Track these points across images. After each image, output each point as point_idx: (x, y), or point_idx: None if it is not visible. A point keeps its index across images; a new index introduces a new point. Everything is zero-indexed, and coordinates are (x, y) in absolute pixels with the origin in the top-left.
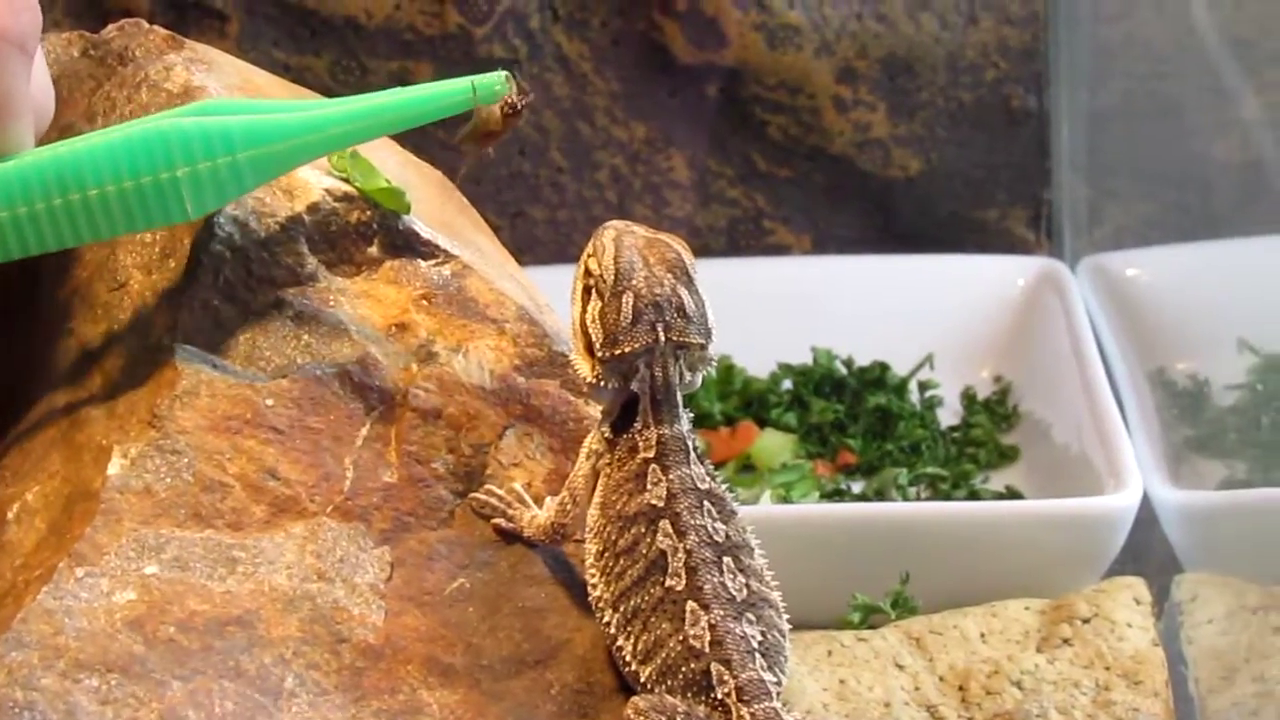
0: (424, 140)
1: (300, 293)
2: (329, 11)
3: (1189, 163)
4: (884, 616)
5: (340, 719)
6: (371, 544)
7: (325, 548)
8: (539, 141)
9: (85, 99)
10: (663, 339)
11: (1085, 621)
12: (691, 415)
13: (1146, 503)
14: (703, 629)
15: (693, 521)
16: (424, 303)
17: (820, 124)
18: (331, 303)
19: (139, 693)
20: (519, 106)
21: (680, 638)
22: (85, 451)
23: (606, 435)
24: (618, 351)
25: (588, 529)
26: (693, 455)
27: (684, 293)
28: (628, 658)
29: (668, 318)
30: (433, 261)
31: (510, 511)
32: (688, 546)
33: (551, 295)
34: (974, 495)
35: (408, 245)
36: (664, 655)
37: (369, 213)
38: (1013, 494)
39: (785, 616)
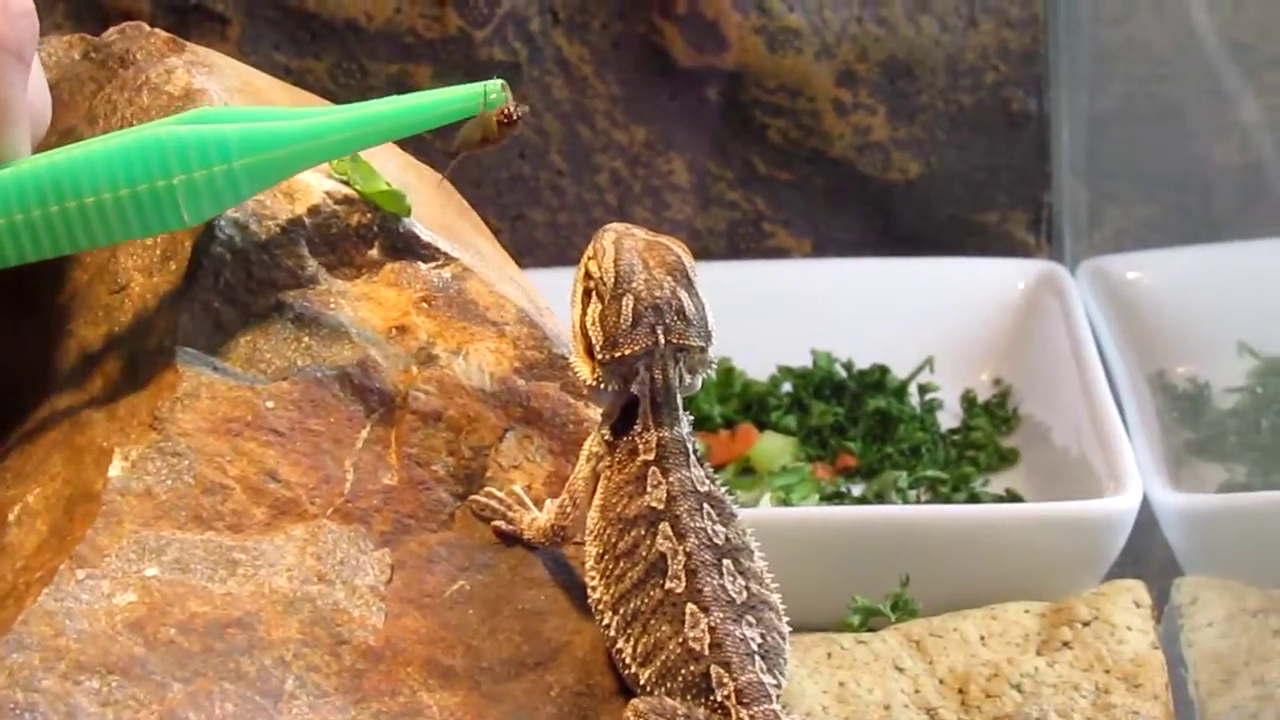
0: (424, 144)
1: (301, 295)
2: (329, 15)
3: (1189, 166)
4: (884, 619)
5: None
6: (372, 546)
7: (325, 550)
8: (539, 144)
9: (86, 102)
10: (663, 342)
11: (1085, 624)
12: (691, 418)
13: (1146, 506)
14: (702, 631)
15: (692, 524)
16: (424, 305)
17: (820, 127)
18: (332, 305)
19: (139, 694)
20: (514, 116)
21: (680, 640)
22: (86, 454)
23: (606, 438)
24: (617, 354)
25: (587, 531)
26: (693, 458)
27: (684, 295)
28: (627, 660)
29: (668, 320)
30: (433, 264)
31: (510, 514)
32: (687, 549)
33: (552, 298)
34: (974, 498)
35: (408, 248)
36: (664, 658)
37: (369, 215)
38: (1013, 497)
39: (785, 619)
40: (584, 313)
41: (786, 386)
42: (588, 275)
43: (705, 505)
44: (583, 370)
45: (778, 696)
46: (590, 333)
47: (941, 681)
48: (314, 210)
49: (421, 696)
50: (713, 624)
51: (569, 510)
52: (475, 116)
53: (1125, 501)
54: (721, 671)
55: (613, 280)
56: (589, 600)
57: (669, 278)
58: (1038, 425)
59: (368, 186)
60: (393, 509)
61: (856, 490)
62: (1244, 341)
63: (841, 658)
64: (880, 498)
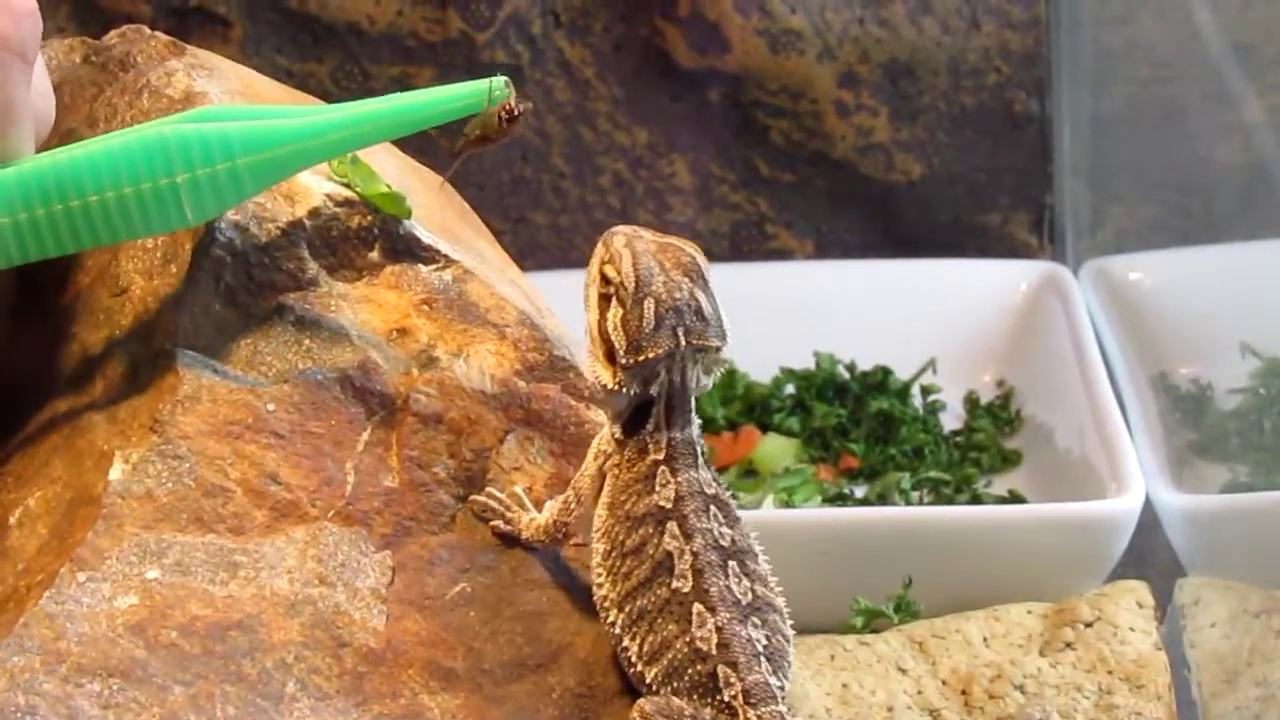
0: (426, 145)
1: (301, 298)
2: (331, 18)
3: (1191, 167)
4: (887, 620)
5: None
6: (373, 548)
7: (326, 552)
8: (541, 147)
9: (87, 105)
10: (684, 343)
11: (1088, 625)
12: (700, 422)
13: (1149, 507)
14: (709, 631)
15: (699, 524)
16: (425, 307)
17: (822, 129)
18: (333, 308)
19: (140, 697)
20: (516, 113)
21: (687, 639)
22: (87, 457)
23: (616, 436)
24: (641, 358)
25: (595, 529)
26: (700, 459)
27: (701, 296)
28: (633, 658)
29: (688, 322)
30: (434, 266)
31: (509, 514)
32: (694, 549)
33: (554, 300)
34: (976, 499)
35: (409, 250)
36: (670, 656)
37: (370, 218)
38: (1015, 498)
39: (789, 622)
40: (602, 317)
41: (789, 388)
42: (605, 280)
43: (712, 507)
44: (604, 375)
45: (782, 698)
46: (613, 337)
47: (944, 683)
48: (314, 213)
49: (423, 699)
50: (720, 624)
51: (573, 507)
52: (478, 114)
53: (1128, 502)
54: (729, 671)
55: (633, 284)
56: (595, 598)
57: (686, 279)
58: (1040, 426)
59: (368, 189)
60: (394, 511)
61: (859, 492)
62: (1246, 342)
63: (844, 659)
64: (883, 499)
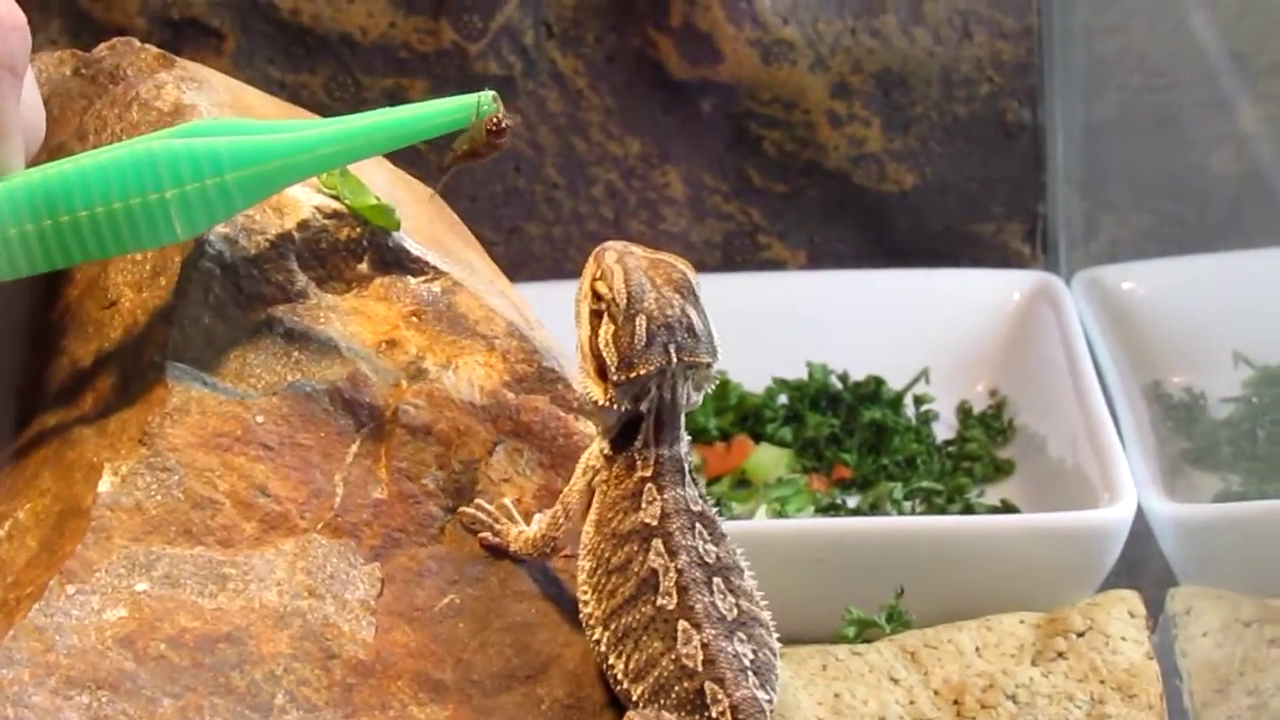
0: (417, 157)
1: (290, 310)
2: (324, 29)
3: (1185, 175)
4: (879, 631)
5: None
6: (362, 560)
7: (315, 564)
8: (534, 158)
9: (77, 117)
10: (675, 360)
11: (1080, 635)
12: (689, 439)
13: (1141, 516)
14: (695, 648)
15: (684, 542)
16: (414, 319)
17: (815, 139)
18: (322, 320)
19: (130, 710)
20: (503, 126)
21: (673, 656)
22: (76, 469)
23: (605, 452)
24: (633, 374)
25: (582, 546)
26: (688, 477)
27: (692, 312)
28: (619, 676)
29: (679, 338)
30: (423, 278)
31: (497, 526)
32: (679, 566)
33: (548, 311)
34: (969, 509)
35: (398, 262)
36: (656, 674)
37: (359, 230)
38: (1008, 508)
39: (775, 636)
40: (593, 334)
41: (782, 398)
42: (597, 296)
43: (697, 524)
44: (595, 391)
45: (770, 712)
46: (604, 354)
47: (936, 693)
48: (303, 225)
49: (412, 710)
50: (705, 640)
51: (561, 521)
52: (466, 129)
53: (1120, 512)
54: (715, 688)
55: (625, 301)
56: (581, 615)
57: (677, 295)
58: (1033, 436)
59: (357, 201)
60: (383, 523)
61: (852, 502)
62: (1239, 351)
63: (836, 669)
64: (875, 509)
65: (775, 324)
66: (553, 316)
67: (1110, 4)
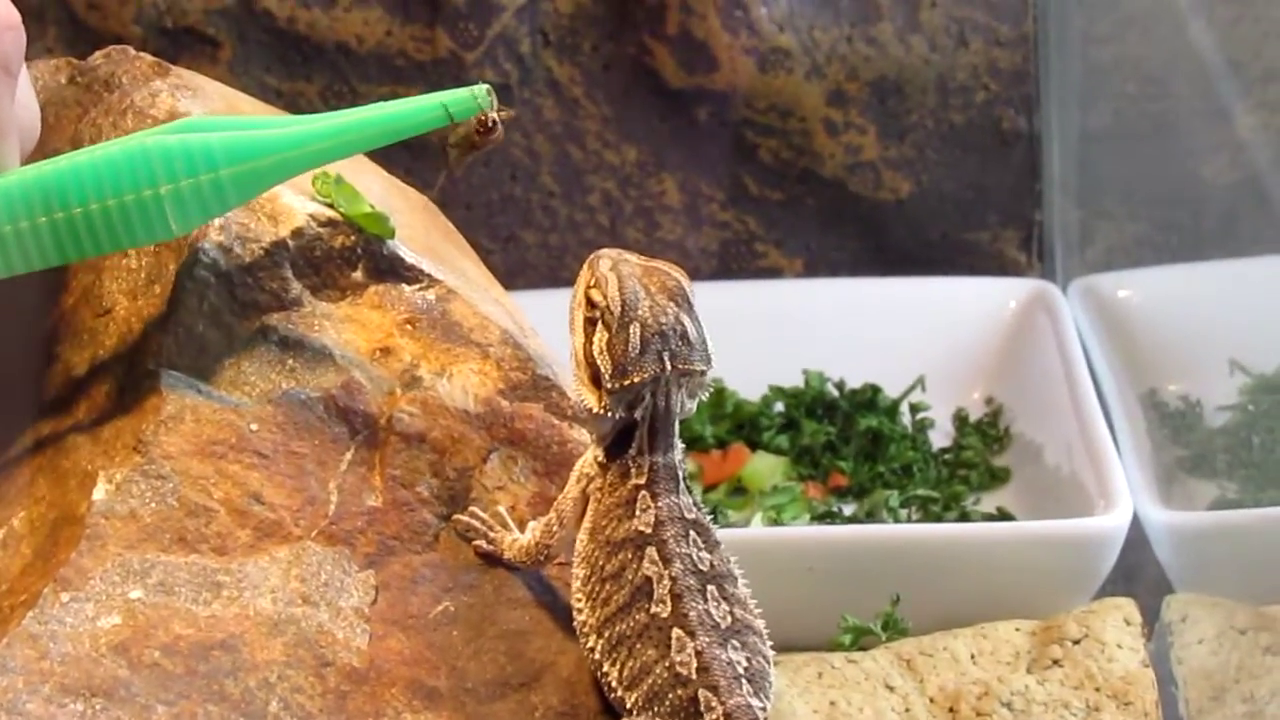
0: (416, 163)
1: (285, 318)
2: (320, 37)
3: (1180, 183)
4: (874, 638)
5: None
6: (356, 568)
7: (310, 572)
8: (530, 166)
9: (72, 125)
10: (669, 368)
11: (1075, 642)
12: (683, 447)
13: (1137, 524)
14: (689, 655)
15: (678, 549)
16: (408, 327)
17: (811, 147)
18: (316, 328)
19: (123, 717)
20: (491, 123)
21: (666, 664)
22: (71, 477)
23: (599, 459)
24: (627, 382)
25: (576, 554)
26: (682, 484)
27: (686, 320)
28: (613, 683)
29: (673, 346)
30: (417, 286)
31: (492, 534)
32: (673, 574)
33: (545, 319)
34: (965, 517)
35: (392, 270)
36: (650, 682)
37: (353, 238)
38: (1004, 515)
39: (769, 643)
40: (588, 341)
41: (778, 406)
42: (591, 304)
43: (691, 532)
44: (589, 398)
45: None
46: (599, 361)
47: (932, 700)
48: (298, 233)
49: (406, 718)
50: (699, 648)
51: (555, 529)
52: (459, 124)
53: (1116, 519)
54: (710, 695)
55: (619, 308)
56: (575, 623)
57: (671, 303)
58: (1029, 444)
59: (351, 209)
60: (377, 531)
61: (848, 509)
62: (1236, 359)
63: (832, 677)
64: (871, 517)
65: (771, 332)
66: (549, 324)
67: (1106, 12)
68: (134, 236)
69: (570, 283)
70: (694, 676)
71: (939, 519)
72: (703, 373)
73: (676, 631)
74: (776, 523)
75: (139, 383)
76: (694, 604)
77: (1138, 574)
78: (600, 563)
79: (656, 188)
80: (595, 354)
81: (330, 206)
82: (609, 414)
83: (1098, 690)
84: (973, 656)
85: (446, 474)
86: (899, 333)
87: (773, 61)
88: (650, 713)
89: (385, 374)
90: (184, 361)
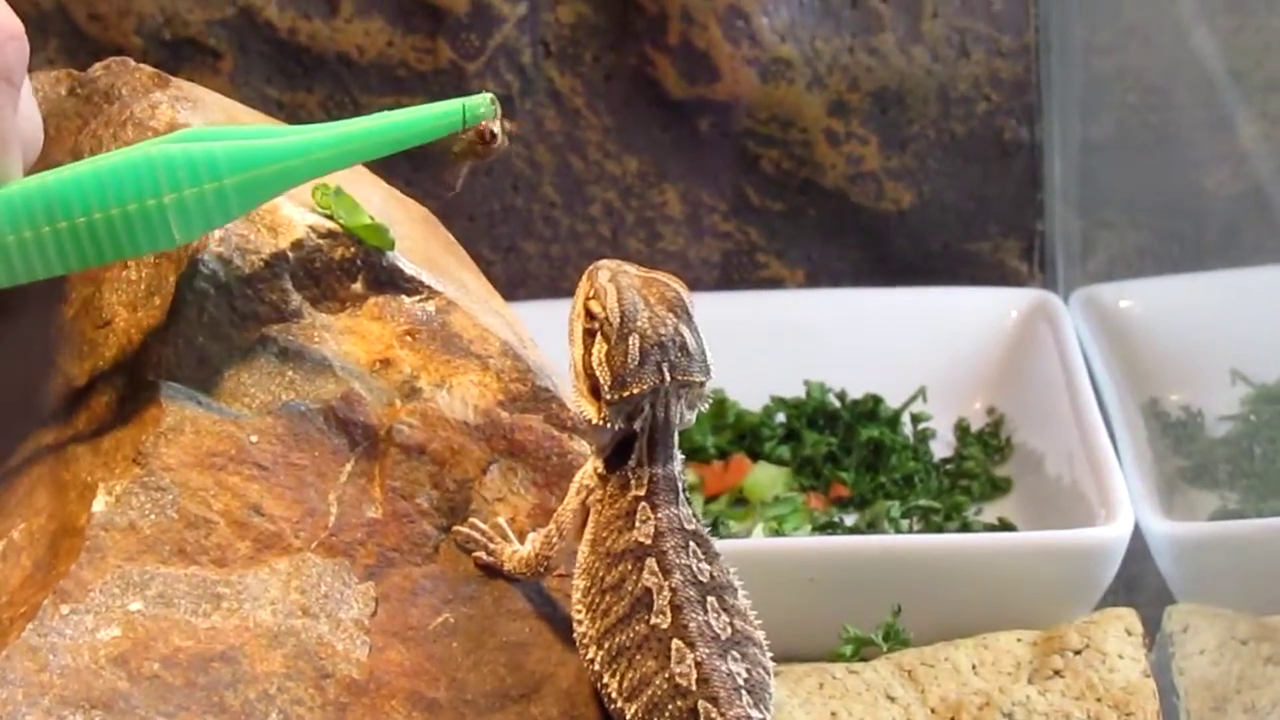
0: (416, 175)
1: (285, 329)
2: (321, 48)
3: (1182, 193)
4: (876, 649)
5: None
6: (356, 579)
7: (309, 583)
8: (531, 176)
9: (72, 137)
10: (668, 379)
11: (1077, 653)
12: (683, 458)
13: (1138, 534)
14: (689, 666)
15: (678, 561)
16: (408, 338)
17: (812, 157)
18: (316, 339)
19: None
20: (491, 134)
21: (666, 675)
22: (70, 488)
23: (599, 471)
24: (626, 393)
25: (577, 566)
26: (681, 496)
27: (685, 331)
28: (613, 694)
29: (672, 357)
30: (417, 297)
31: (491, 546)
32: (673, 585)
33: (546, 330)
34: (966, 527)
35: (392, 281)
36: (650, 693)
37: (353, 249)
38: (1005, 526)
39: (769, 655)
40: (587, 353)
41: (780, 417)
42: (590, 315)
43: (691, 543)
44: (588, 410)
45: None
46: (598, 373)
47: (933, 711)
48: (298, 244)
49: None
50: (699, 659)
51: (555, 541)
52: (461, 133)
53: (1117, 530)
54: (709, 707)
55: (618, 320)
56: (575, 634)
57: (671, 314)
58: (1030, 454)
59: (351, 220)
60: (377, 542)
61: (849, 520)
62: (1237, 369)
63: (833, 687)
64: (873, 527)
65: (773, 342)
66: (551, 335)
67: (1108, 22)
68: (137, 245)
69: (571, 294)
70: (694, 688)
71: (940, 529)
72: (702, 384)
73: (676, 643)
74: (778, 533)
75: (138, 394)
76: (694, 615)
77: (1139, 584)
78: (600, 574)
79: (658, 198)
80: (594, 365)
81: (330, 218)
82: (608, 425)
83: (1099, 701)
84: (974, 667)
85: (446, 485)
86: (900, 343)
87: (774, 72)
88: None
89: (385, 385)
90: (184, 373)
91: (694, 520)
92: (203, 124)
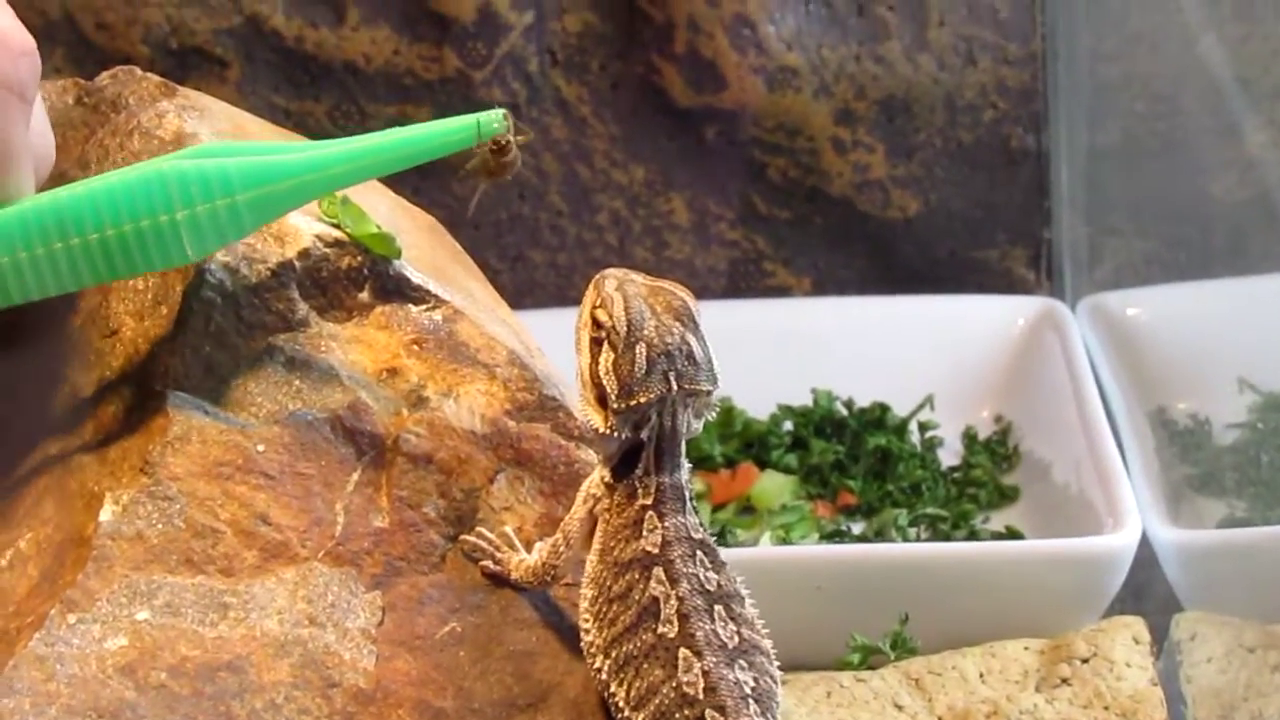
0: (423, 183)
1: (291, 338)
2: (328, 57)
3: (1189, 201)
4: (883, 657)
5: None
6: (363, 589)
7: (316, 593)
8: (538, 185)
9: (79, 146)
10: (675, 388)
11: (1084, 661)
12: (690, 467)
13: (1146, 542)
14: (696, 675)
15: (685, 570)
16: (415, 348)
17: (819, 166)
18: (323, 348)
19: None
20: (503, 144)
21: (673, 684)
22: (77, 498)
23: (606, 480)
24: (633, 402)
25: (585, 575)
26: (688, 505)
27: (692, 340)
28: (620, 704)
29: (679, 366)
30: (423, 306)
31: (498, 555)
32: (680, 594)
33: (553, 338)
34: (973, 535)
35: (398, 290)
36: (657, 702)
37: (360, 258)
38: (1012, 534)
39: (776, 664)
40: (594, 361)
41: (787, 425)
42: (597, 324)
43: (698, 552)
44: (595, 419)
45: None
46: (605, 382)
47: (940, 719)
48: (304, 254)
49: None
50: (706, 668)
51: (561, 550)
52: (476, 147)
53: (1124, 538)
54: (717, 715)
55: (625, 329)
56: (582, 643)
57: (677, 323)
58: (1038, 462)
59: (358, 229)
60: (384, 551)
61: (857, 528)
62: (1244, 377)
63: (841, 696)
64: (880, 536)
65: (780, 350)
66: (557, 344)
67: (1114, 30)
68: (150, 261)
69: (578, 302)
70: (701, 696)
71: (948, 538)
72: (709, 392)
73: (683, 651)
74: (785, 541)
75: (145, 404)
76: (701, 624)
77: (1146, 592)
78: (607, 583)
79: (665, 207)
80: (601, 374)
81: (337, 227)
82: (615, 434)
83: (1106, 709)
84: (981, 675)
85: (453, 495)
86: (907, 351)
87: (781, 80)
88: None
89: (392, 394)
90: (190, 382)
91: (701, 529)
92: (210, 133)
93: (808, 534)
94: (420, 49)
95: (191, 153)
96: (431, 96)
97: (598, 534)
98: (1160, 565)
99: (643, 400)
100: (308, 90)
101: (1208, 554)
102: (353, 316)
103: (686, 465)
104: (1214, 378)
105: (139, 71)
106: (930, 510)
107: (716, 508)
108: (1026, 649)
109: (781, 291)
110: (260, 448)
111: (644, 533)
